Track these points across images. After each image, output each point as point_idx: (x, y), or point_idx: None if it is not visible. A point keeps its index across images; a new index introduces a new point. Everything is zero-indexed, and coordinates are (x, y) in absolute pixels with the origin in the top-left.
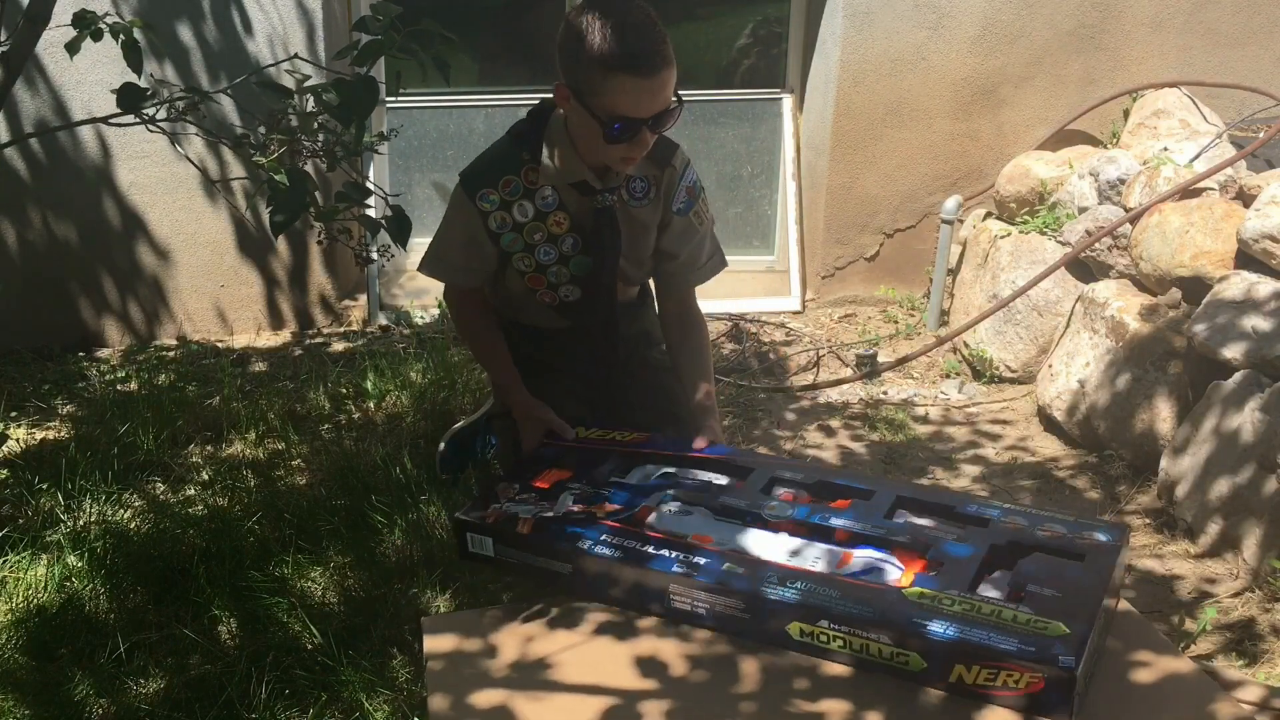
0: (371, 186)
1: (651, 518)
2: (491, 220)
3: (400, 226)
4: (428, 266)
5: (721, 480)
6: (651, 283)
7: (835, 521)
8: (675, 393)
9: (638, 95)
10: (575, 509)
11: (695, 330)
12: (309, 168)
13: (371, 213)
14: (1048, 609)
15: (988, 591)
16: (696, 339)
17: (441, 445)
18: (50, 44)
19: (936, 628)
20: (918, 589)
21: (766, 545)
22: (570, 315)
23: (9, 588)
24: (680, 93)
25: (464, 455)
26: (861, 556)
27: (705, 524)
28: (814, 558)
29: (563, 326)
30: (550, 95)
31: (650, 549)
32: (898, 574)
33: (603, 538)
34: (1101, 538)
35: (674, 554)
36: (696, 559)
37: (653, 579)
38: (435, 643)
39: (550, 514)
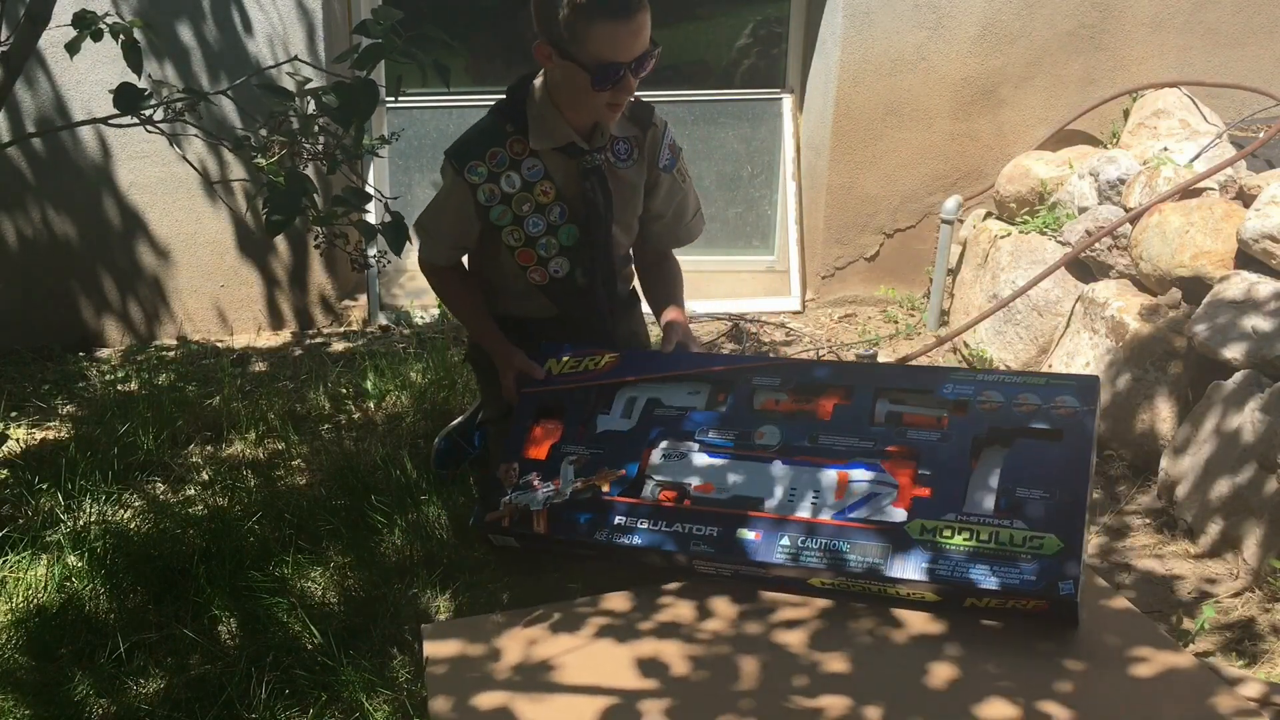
0: (371, 191)
1: (650, 467)
2: (480, 193)
3: (397, 234)
4: (416, 232)
5: (701, 400)
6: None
7: (824, 441)
8: None
9: (618, 39)
10: (579, 485)
11: (668, 264)
12: (309, 170)
13: (370, 217)
14: (1039, 519)
15: (978, 494)
16: (667, 268)
17: (437, 441)
18: (51, 44)
19: (944, 570)
20: (919, 522)
21: (765, 484)
22: (559, 296)
23: (9, 588)
24: (680, 92)
25: (459, 452)
26: (857, 481)
27: (702, 467)
28: (813, 493)
29: (552, 316)
30: (526, 74)
31: (664, 526)
32: (893, 494)
33: (616, 521)
34: (1074, 403)
35: (687, 528)
36: (709, 531)
37: (676, 558)
38: (436, 648)
39: (559, 499)
